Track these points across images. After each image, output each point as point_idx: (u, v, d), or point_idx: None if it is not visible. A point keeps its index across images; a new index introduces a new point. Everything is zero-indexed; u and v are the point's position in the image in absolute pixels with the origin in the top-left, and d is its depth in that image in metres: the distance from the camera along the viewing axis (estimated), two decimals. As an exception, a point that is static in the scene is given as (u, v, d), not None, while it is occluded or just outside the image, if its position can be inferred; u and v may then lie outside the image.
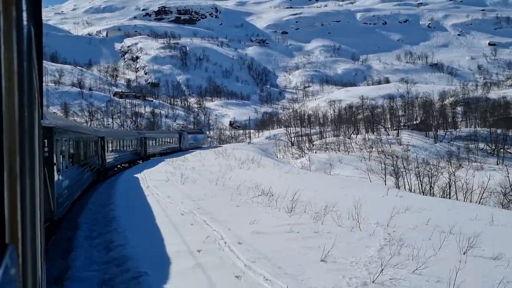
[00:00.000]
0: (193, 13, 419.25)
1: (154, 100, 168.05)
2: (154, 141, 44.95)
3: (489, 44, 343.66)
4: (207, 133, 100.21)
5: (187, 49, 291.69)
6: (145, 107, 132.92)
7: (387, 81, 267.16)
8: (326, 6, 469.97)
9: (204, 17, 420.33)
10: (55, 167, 10.32)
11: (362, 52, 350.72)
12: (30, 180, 1.40)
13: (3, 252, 0.87)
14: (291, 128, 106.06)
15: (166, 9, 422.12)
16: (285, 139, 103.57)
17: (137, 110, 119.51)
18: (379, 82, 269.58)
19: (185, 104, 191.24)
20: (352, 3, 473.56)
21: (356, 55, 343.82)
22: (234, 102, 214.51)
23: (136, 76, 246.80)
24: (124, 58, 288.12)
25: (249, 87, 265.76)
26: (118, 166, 31.12)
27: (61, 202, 11.20)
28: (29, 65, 1.40)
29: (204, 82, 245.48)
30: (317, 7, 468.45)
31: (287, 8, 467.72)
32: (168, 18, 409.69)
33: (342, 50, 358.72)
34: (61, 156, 11.81)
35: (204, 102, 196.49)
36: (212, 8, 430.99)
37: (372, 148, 74.00)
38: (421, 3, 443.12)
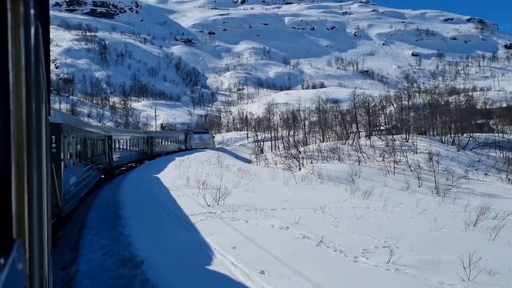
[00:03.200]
0: (111, 6, 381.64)
1: (71, 97, 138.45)
2: (160, 141, 45.48)
3: (412, 54, 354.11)
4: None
5: (106, 43, 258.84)
6: (60, 103, 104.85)
7: (322, 85, 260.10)
8: (252, 8, 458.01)
9: (123, 11, 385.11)
10: (62, 163, 10.36)
11: (292, 56, 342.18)
12: (38, 176, 1.39)
13: (10, 247, 0.87)
14: (258, 133, 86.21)
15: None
16: (250, 145, 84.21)
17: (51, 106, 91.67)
18: (314, 87, 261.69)
19: (106, 103, 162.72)
20: (278, 7, 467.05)
21: (287, 59, 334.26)
22: (164, 103, 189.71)
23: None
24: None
25: (179, 87, 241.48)
26: (125, 165, 31.65)
27: (68, 199, 11.24)
28: (36, 62, 1.39)
29: (128, 79, 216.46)
30: (244, 9, 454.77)
31: (212, 9, 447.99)
32: (82, 10, 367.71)
33: (273, 54, 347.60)
34: (68, 153, 11.78)
35: (129, 102, 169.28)
36: (132, 3, 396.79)
37: (384, 156, 57.09)
38: (346, 12, 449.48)
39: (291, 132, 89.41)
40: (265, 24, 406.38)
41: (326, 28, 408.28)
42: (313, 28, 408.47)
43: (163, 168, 28.20)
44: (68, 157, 11.79)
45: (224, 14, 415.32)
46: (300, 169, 53.09)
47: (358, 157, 55.13)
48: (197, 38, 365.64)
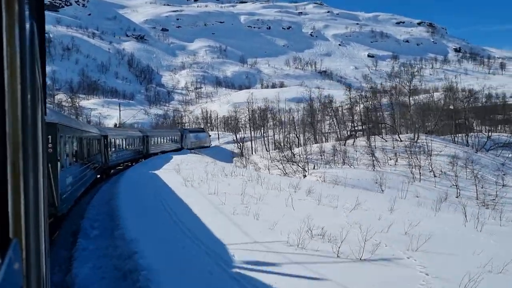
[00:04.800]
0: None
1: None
2: (156, 140, 45.51)
3: (368, 55, 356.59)
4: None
5: (51, 36, 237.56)
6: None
7: (282, 85, 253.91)
8: (206, 6, 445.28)
9: (69, 4, 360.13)
10: (58, 163, 10.41)
11: (249, 55, 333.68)
12: (34, 176, 1.37)
13: (6, 247, 0.87)
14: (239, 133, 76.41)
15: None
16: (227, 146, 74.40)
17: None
18: (274, 86, 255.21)
19: (51, 100, 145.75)
20: (233, 6, 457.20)
21: (244, 58, 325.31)
22: (117, 101, 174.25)
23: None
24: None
25: (132, 85, 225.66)
26: (121, 164, 31.25)
27: (64, 198, 11.22)
28: (31, 61, 1.37)
29: (75, 75, 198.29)
30: (197, 6, 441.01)
31: (165, 5, 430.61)
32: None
33: (229, 52, 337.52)
34: (64, 152, 11.74)
35: (77, 100, 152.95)
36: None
37: (397, 159, 49.09)
38: (301, 12, 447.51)
39: (270, 132, 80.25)
40: (221, 22, 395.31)
41: (283, 28, 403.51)
42: (269, 28, 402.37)
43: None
44: (64, 157, 11.77)
45: (177, 11, 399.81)
46: (304, 175, 43.68)
47: (372, 161, 46.50)
48: (149, 34, 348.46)
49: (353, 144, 56.02)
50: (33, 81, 1.45)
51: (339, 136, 71.21)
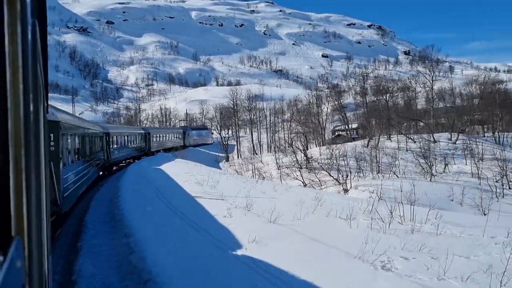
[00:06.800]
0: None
1: None
2: (158, 138, 45.45)
3: (322, 55, 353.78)
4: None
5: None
6: None
7: (239, 83, 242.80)
8: (155, 0, 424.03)
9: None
10: (61, 161, 10.28)
11: (201, 53, 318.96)
12: (36, 174, 1.38)
13: (9, 244, 0.87)
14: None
15: None
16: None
17: None
18: (230, 84, 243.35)
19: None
20: (183, 1, 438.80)
21: (196, 55, 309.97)
22: (59, 97, 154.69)
23: None
24: None
25: (75, 80, 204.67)
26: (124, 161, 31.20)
27: (67, 196, 11.11)
28: (34, 59, 1.36)
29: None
30: (146, 0, 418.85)
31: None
32: None
33: (181, 49, 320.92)
34: (67, 150, 11.71)
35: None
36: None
37: (446, 166, 39.04)
38: (253, 11, 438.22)
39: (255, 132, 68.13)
40: (171, 18, 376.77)
41: (235, 25, 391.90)
42: (222, 25, 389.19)
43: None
44: (67, 155, 11.68)
45: (123, 3, 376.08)
46: (346, 190, 32.20)
47: (423, 168, 35.79)
48: (93, 27, 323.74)
49: (377, 146, 45.27)
50: (35, 79, 1.45)
51: (323, 138, 61.27)
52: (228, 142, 61.79)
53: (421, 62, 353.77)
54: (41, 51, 1.99)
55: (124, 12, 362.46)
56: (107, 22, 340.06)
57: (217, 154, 59.49)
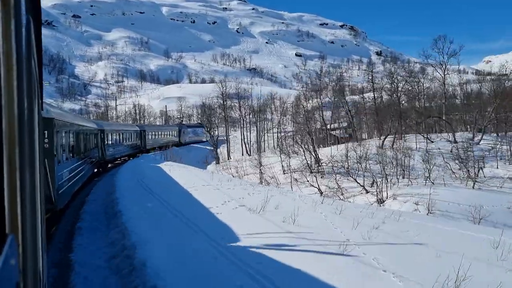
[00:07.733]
0: None
1: None
2: (153, 135, 45.05)
3: (296, 54, 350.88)
4: None
5: None
6: None
7: (213, 81, 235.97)
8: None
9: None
10: (55, 158, 10.17)
11: (173, 49, 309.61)
12: (30, 171, 1.37)
13: (3, 242, 0.86)
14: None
15: None
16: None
17: None
18: (204, 82, 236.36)
19: None
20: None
21: (168, 52, 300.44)
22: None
23: None
24: None
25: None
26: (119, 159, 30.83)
27: (62, 193, 11.07)
28: (28, 56, 1.36)
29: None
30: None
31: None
32: None
33: (152, 45, 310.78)
34: (61, 147, 11.59)
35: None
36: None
37: (479, 170, 34.39)
38: (226, 8, 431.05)
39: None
40: (141, 13, 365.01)
41: (208, 23, 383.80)
42: (194, 21, 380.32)
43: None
44: (61, 152, 11.63)
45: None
46: (381, 201, 26.86)
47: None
48: (58, 20, 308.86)
49: (392, 146, 40.26)
50: (30, 77, 1.44)
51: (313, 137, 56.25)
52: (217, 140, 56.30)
53: (393, 62, 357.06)
54: (36, 48, 1.94)
55: (91, 6, 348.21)
56: (74, 16, 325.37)
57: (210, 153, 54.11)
